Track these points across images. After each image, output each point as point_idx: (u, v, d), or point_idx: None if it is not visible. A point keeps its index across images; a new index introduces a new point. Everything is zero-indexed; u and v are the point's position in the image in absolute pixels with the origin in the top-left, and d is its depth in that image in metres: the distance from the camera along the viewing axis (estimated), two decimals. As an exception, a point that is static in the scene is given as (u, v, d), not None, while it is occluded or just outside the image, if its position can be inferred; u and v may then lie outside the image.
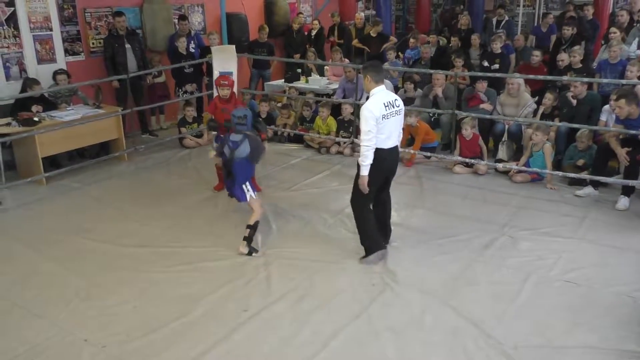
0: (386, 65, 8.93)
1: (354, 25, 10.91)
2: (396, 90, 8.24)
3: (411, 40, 9.88)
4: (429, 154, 7.03)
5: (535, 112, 6.92)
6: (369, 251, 4.63)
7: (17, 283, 4.36)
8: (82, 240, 5.07)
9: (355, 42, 10.38)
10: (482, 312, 3.85)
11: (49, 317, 3.89)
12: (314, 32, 10.62)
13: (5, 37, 7.06)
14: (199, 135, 8.00)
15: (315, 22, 10.70)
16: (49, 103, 7.07)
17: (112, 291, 4.20)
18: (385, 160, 4.40)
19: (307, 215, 5.54)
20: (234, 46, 7.85)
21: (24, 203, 5.95)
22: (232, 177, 4.68)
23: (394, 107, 4.36)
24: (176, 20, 8.88)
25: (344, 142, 7.53)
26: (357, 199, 4.57)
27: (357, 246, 4.74)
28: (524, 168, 6.31)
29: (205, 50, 8.50)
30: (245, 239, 4.71)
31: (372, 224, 4.62)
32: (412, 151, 6.95)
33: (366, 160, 4.27)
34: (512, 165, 6.46)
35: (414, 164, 6.99)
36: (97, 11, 8.18)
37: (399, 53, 9.62)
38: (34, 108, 6.64)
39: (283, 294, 4.13)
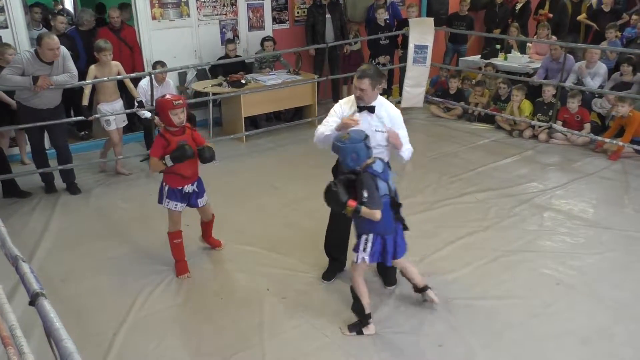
0: (604, 45, 8.02)
1: (570, -1, 9.86)
2: (610, 73, 7.37)
3: (633, 17, 8.69)
4: (641, 147, 6.20)
5: None
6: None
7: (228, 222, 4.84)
8: (270, 196, 5.48)
9: (581, 16, 9.34)
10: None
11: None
12: (518, 6, 9.87)
13: (224, 5, 7.78)
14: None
15: (523, -6, 9.93)
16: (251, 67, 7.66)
17: (294, 248, 4.49)
18: None
19: (486, 199, 5.30)
20: (432, 19, 7.68)
21: (226, 157, 6.51)
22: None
23: None
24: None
25: (540, 127, 6.97)
26: None
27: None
28: None
29: (402, 23, 8.43)
30: None
31: None
32: (620, 143, 6.18)
33: None
34: None
35: (620, 158, 6.22)
36: (305, -19, 8.58)
37: (618, 32, 8.51)
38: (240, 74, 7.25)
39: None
